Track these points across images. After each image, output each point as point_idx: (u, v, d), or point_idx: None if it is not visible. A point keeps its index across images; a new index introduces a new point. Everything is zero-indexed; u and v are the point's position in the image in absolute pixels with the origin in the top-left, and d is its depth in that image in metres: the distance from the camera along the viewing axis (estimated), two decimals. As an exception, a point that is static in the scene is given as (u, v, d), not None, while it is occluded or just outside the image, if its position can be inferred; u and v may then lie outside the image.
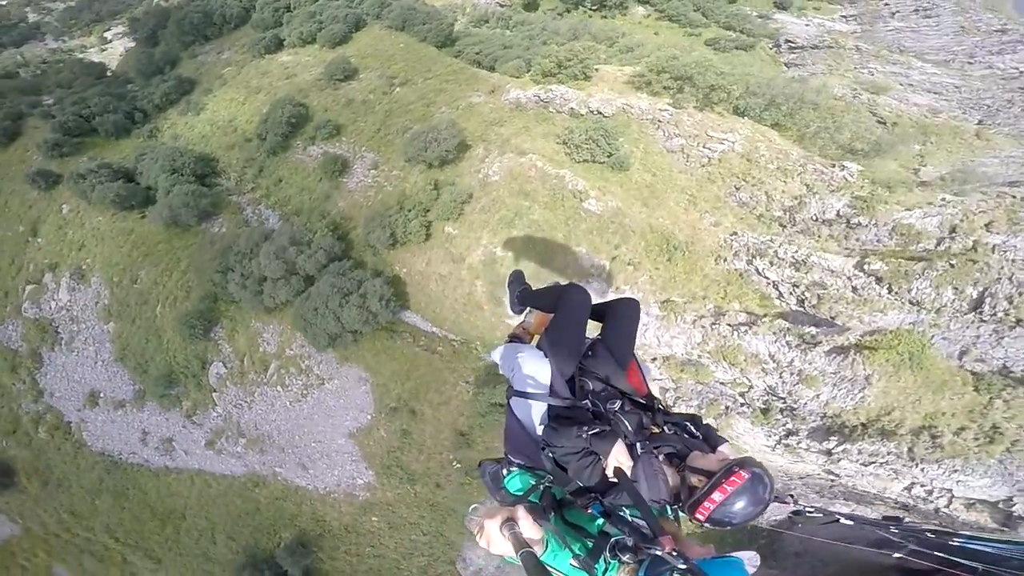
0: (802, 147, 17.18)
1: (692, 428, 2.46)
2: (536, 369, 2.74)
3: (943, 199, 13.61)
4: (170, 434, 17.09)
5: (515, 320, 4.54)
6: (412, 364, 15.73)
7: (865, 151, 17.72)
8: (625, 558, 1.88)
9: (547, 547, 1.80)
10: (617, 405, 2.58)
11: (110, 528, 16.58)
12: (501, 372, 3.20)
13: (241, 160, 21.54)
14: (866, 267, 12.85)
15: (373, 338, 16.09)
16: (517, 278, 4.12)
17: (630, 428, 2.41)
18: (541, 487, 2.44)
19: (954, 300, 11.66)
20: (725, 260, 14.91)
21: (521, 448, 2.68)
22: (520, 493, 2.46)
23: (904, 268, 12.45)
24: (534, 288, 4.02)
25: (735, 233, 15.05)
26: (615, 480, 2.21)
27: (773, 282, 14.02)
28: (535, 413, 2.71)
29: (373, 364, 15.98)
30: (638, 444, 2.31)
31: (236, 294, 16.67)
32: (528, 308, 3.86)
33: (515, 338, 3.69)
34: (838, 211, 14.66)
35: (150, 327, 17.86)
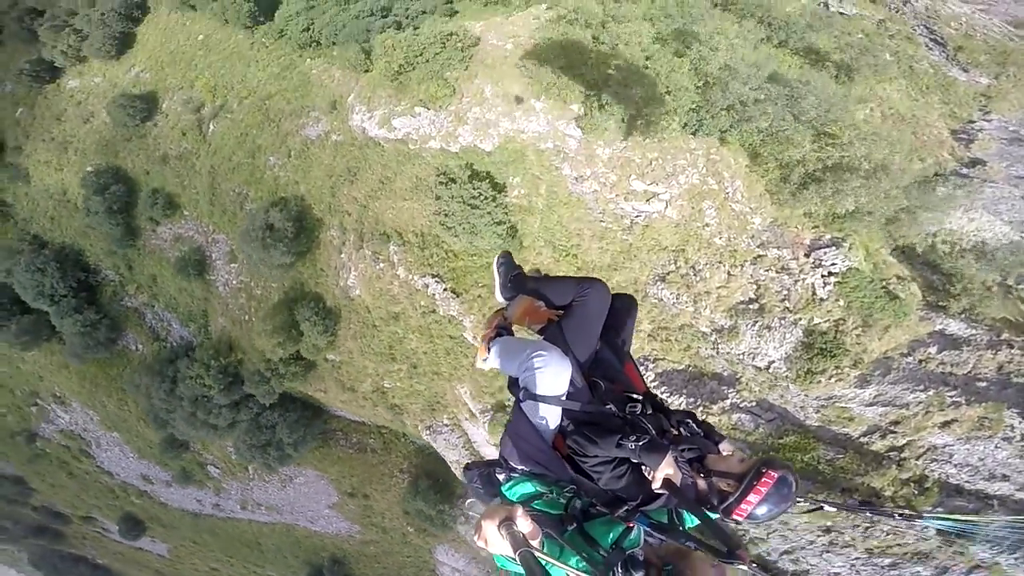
0: (776, 198, 11.47)
1: (693, 424, 2.43)
2: (559, 371, 2.46)
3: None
4: (215, 501, 21.97)
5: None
6: (350, 465, 17.44)
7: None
8: (638, 574, 1.84)
9: (544, 547, 1.77)
10: (638, 409, 2.46)
11: (223, 550, 23.81)
12: (497, 370, 2.98)
13: (103, 250, 18.98)
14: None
15: (311, 451, 17.52)
16: (507, 260, 3.65)
17: (654, 432, 2.33)
18: (560, 497, 2.31)
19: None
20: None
21: (533, 454, 2.48)
22: (523, 501, 2.32)
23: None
24: (527, 273, 3.62)
25: (646, 359, 12.14)
26: (659, 492, 2.13)
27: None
28: (552, 417, 2.50)
29: (320, 467, 17.97)
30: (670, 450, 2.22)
31: (186, 433, 18.05)
32: (516, 295, 3.40)
33: (502, 329, 3.29)
34: (773, 361, 11.13)
35: (143, 442, 20.55)
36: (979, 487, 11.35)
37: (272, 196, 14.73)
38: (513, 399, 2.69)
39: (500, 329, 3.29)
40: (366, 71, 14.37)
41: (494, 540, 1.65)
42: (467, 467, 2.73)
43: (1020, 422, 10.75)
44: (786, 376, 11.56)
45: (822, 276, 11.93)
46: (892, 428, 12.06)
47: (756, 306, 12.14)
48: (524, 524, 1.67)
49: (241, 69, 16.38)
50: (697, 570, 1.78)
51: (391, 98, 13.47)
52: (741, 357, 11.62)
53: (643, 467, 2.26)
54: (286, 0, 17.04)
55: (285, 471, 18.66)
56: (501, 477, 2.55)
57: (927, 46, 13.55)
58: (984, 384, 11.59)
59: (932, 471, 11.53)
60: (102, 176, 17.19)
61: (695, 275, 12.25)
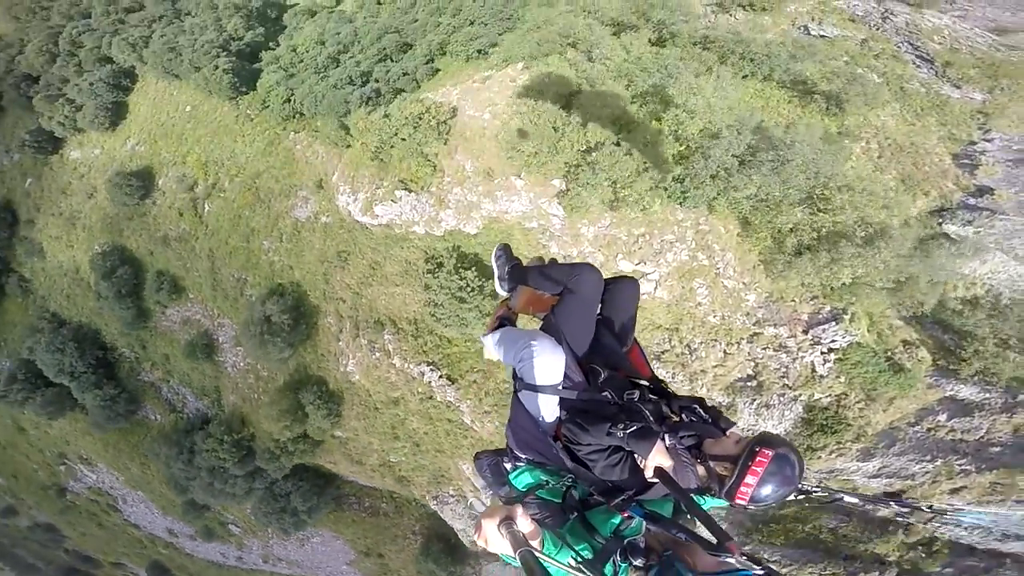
0: (771, 269, 11.23)
1: (700, 411, 2.33)
2: (550, 360, 2.48)
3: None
4: (238, 555, 22.76)
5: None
6: (364, 527, 17.86)
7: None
8: (637, 561, 1.83)
9: (544, 545, 1.76)
10: (636, 395, 2.41)
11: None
12: (500, 360, 2.97)
13: (118, 331, 19.66)
14: None
15: (326, 515, 18.00)
16: (505, 252, 3.65)
17: (651, 419, 2.27)
18: (561, 486, 2.31)
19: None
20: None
21: (531, 443, 2.48)
22: (529, 489, 2.33)
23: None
24: (526, 264, 3.62)
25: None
26: (652, 480, 2.11)
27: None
28: (549, 407, 2.49)
29: (336, 528, 18.44)
30: (667, 436, 2.18)
31: (206, 498, 18.72)
32: (518, 286, 3.43)
33: (504, 320, 3.32)
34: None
35: (167, 501, 21.36)
36: (991, 547, 11.11)
37: (269, 282, 15.04)
38: (513, 391, 2.67)
39: (502, 320, 3.31)
40: (348, 146, 14.49)
41: (494, 539, 1.63)
42: (476, 456, 2.72)
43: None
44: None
45: (821, 353, 11.70)
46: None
47: (754, 384, 11.98)
48: (524, 524, 1.66)
49: (229, 144, 16.65)
50: (695, 555, 1.75)
51: (374, 177, 13.53)
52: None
53: (636, 455, 2.21)
54: (266, 69, 17.26)
55: (301, 533, 19.22)
56: (508, 466, 2.53)
57: (915, 63, 13.11)
58: (998, 449, 11.16)
59: (941, 533, 11.32)
60: (109, 258, 17.73)
61: (691, 354, 12.12)
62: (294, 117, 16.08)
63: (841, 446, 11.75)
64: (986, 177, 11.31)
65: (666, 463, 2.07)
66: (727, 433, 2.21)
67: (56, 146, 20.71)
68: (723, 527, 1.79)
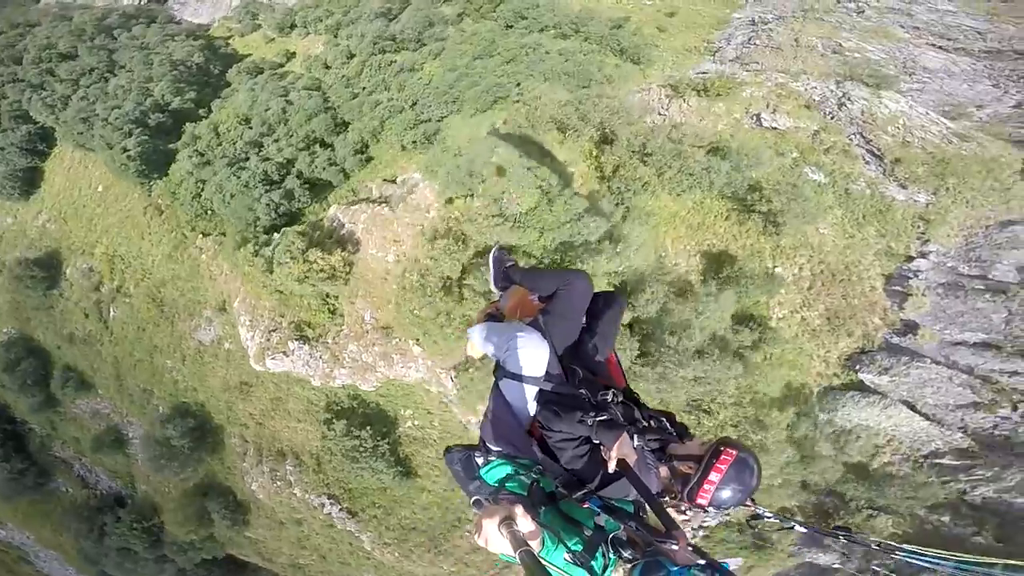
0: None
1: (668, 425, 2.45)
2: (535, 352, 2.60)
3: None
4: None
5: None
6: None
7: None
8: (626, 554, 1.85)
9: (543, 544, 1.77)
10: (609, 396, 2.51)
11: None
12: (485, 352, 3.07)
13: (27, 409, 19.18)
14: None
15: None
16: (502, 253, 3.87)
17: (621, 419, 2.37)
18: (526, 479, 2.30)
19: None
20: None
21: (507, 435, 2.57)
22: (498, 484, 2.33)
23: None
24: (521, 265, 3.78)
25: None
26: (613, 472, 2.14)
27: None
28: (528, 396, 2.59)
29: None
30: (635, 436, 2.26)
31: (117, 574, 19.15)
32: (511, 286, 3.61)
33: (490, 316, 3.49)
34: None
35: (81, 565, 21.59)
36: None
37: (174, 399, 15.16)
38: (494, 380, 2.75)
39: (488, 316, 3.48)
40: (249, 266, 14.38)
41: (494, 539, 1.65)
42: (447, 450, 2.75)
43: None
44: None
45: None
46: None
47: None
48: (525, 524, 1.68)
49: (136, 240, 16.16)
50: (673, 553, 1.80)
51: (273, 312, 13.69)
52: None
53: (601, 448, 2.26)
54: (182, 152, 16.57)
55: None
56: (479, 461, 2.54)
57: (864, 159, 12.97)
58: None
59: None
60: (13, 348, 17.15)
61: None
62: (205, 214, 15.67)
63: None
64: (914, 312, 11.38)
65: (629, 456, 2.11)
66: (691, 438, 2.33)
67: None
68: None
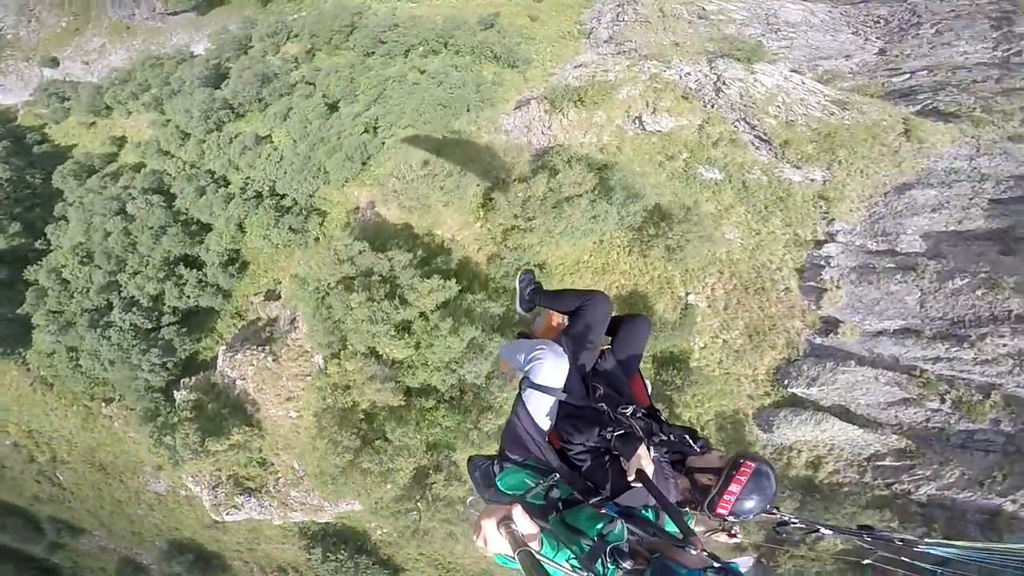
0: None
1: (690, 440, 2.48)
2: (556, 364, 2.73)
3: None
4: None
5: None
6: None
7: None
8: (625, 564, 1.86)
9: (543, 546, 1.78)
10: (629, 411, 2.58)
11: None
12: (512, 366, 3.21)
13: (41, 552, 20.26)
14: None
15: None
16: (528, 276, 4.03)
17: (640, 432, 2.43)
18: (542, 487, 2.35)
19: None
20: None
21: (524, 442, 2.67)
22: (513, 492, 2.40)
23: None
24: (546, 288, 3.95)
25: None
26: (632, 483, 2.20)
27: None
28: (547, 406, 2.72)
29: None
30: (652, 448, 2.33)
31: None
32: (537, 308, 3.76)
33: (524, 335, 3.77)
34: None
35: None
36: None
37: (163, 536, 15.77)
38: (518, 391, 2.92)
39: (522, 336, 3.78)
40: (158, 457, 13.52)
41: (493, 539, 1.66)
42: (470, 459, 2.88)
43: None
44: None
45: None
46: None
47: None
48: (524, 524, 1.69)
49: (42, 416, 15.16)
50: (681, 556, 1.82)
51: (210, 472, 13.37)
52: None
53: (620, 459, 2.34)
54: (35, 316, 14.43)
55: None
56: (496, 469, 2.65)
57: (754, 145, 12.64)
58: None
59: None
60: (-11, 516, 17.43)
61: None
62: (96, 382, 14.34)
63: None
64: (831, 307, 11.16)
65: (648, 467, 2.18)
66: (710, 451, 2.38)
67: None
68: None
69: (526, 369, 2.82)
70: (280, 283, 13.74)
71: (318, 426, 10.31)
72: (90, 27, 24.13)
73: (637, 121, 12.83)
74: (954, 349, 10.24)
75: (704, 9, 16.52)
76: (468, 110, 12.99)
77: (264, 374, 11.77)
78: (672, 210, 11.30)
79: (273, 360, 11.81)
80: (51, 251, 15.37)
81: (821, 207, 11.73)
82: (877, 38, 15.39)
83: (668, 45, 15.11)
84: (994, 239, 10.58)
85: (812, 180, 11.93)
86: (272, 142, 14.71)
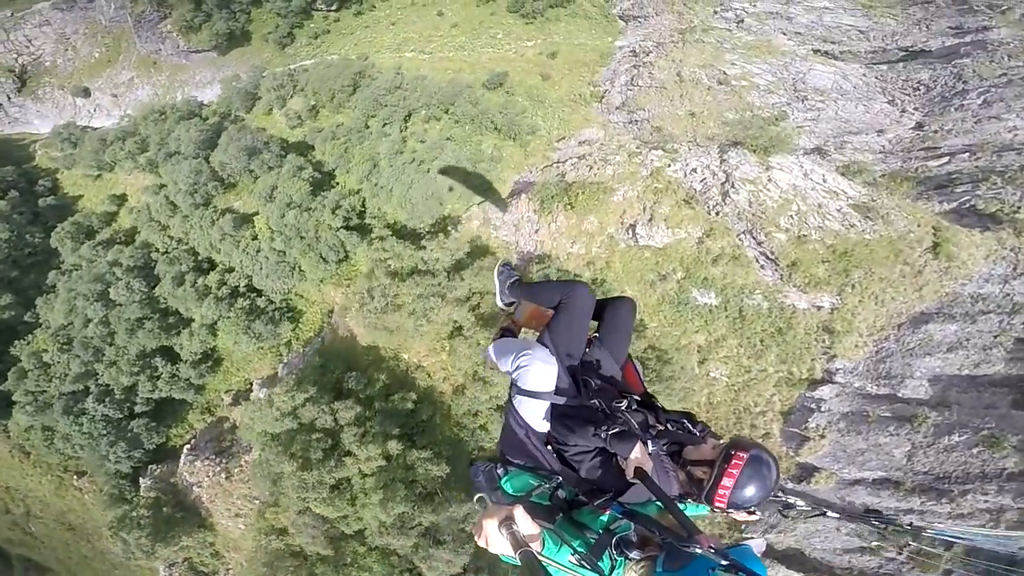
0: None
1: (689, 425, 2.47)
2: (544, 367, 2.69)
3: None
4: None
5: None
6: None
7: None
8: (632, 555, 1.87)
9: (544, 545, 1.77)
10: (623, 404, 2.56)
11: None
12: (500, 369, 3.12)
13: None
14: None
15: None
16: (506, 268, 3.92)
17: (636, 427, 2.41)
18: (546, 489, 2.39)
19: None
20: None
21: (522, 448, 2.65)
22: (518, 494, 2.39)
23: None
24: (525, 280, 3.87)
25: None
26: (633, 480, 2.18)
27: None
28: (540, 411, 2.68)
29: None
30: (649, 443, 2.31)
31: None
32: (518, 300, 3.69)
33: (506, 331, 3.61)
34: None
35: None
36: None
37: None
38: (508, 396, 2.89)
39: (504, 331, 3.63)
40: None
41: (495, 539, 1.67)
42: (472, 463, 2.82)
43: None
44: None
45: None
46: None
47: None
48: (525, 524, 1.69)
49: (18, 479, 16.29)
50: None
51: (172, 553, 14.42)
52: None
53: (617, 458, 2.33)
54: (15, 392, 15.42)
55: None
56: (500, 472, 2.64)
57: (759, 263, 11.70)
58: None
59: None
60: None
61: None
62: (69, 458, 15.40)
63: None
64: (811, 455, 10.70)
65: (646, 464, 2.16)
66: (706, 440, 2.32)
67: None
68: None
69: (513, 376, 2.78)
70: (251, 384, 14.51)
71: (255, 559, 11.22)
72: (120, 59, 24.98)
73: (631, 231, 12.06)
74: (931, 503, 9.63)
75: (725, 74, 15.15)
76: (458, 200, 13.37)
77: (217, 489, 12.72)
78: (663, 347, 10.62)
79: (226, 478, 12.76)
80: (40, 324, 16.27)
81: (824, 341, 10.71)
82: (915, 108, 13.65)
83: (683, 116, 14.04)
84: (1010, 387, 9.52)
85: (819, 308, 10.94)
86: (254, 225, 15.29)
